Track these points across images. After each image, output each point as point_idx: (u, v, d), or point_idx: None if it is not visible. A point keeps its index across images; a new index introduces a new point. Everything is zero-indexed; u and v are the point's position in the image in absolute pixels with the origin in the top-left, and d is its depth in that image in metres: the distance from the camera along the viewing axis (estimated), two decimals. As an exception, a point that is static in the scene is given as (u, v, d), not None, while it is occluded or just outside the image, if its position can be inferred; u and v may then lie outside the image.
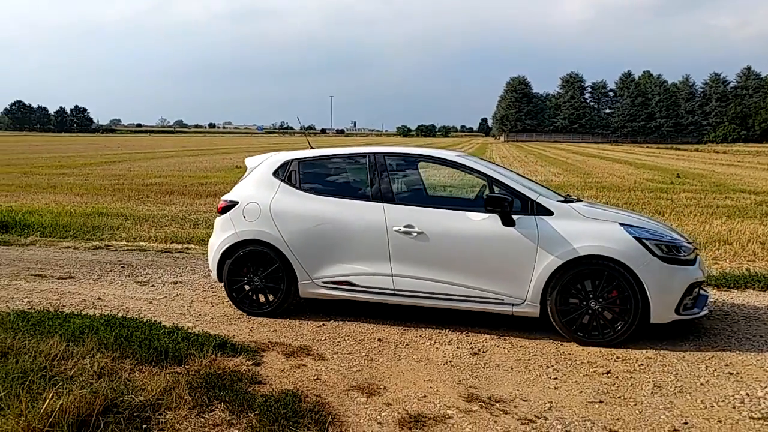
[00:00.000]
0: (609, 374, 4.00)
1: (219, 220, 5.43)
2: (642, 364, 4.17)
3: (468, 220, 4.78)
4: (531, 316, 4.72)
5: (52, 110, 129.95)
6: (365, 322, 5.07)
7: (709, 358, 4.28)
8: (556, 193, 5.65)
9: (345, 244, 5.03)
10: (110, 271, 6.94)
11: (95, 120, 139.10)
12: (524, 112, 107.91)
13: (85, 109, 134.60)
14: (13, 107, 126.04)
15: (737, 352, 4.41)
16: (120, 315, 4.94)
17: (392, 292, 4.97)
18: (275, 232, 5.16)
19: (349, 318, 5.17)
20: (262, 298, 5.26)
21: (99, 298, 5.74)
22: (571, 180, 21.26)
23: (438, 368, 4.08)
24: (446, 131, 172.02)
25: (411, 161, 5.39)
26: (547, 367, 4.13)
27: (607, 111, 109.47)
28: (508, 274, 4.69)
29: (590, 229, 4.59)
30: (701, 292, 4.93)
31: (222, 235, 5.36)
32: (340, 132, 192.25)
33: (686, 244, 4.69)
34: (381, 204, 5.00)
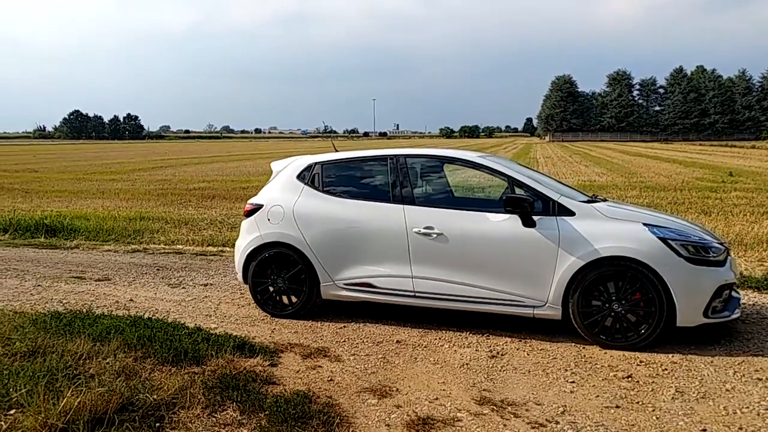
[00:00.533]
0: (629, 378, 3.89)
1: (245, 223, 5.55)
2: (666, 369, 4.04)
3: (488, 221, 4.73)
4: (553, 318, 4.64)
5: (106, 118, 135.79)
6: (386, 324, 5.07)
7: (738, 363, 4.11)
8: (581, 193, 5.53)
9: (365, 246, 5.06)
10: (145, 273, 7.16)
11: (146, 127, 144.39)
12: (569, 112, 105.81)
13: (136, 117, 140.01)
14: (71, 116, 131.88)
15: (770, 357, 4.22)
16: (147, 316, 5.09)
17: (412, 294, 4.97)
18: (298, 234, 5.23)
19: (370, 320, 5.19)
20: (285, 300, 5.34)
21: (131, 300, 5.94)
22: (615, 180, 20.75)
23: (453, 371, 4.05)
24: (490, 132, 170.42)
25: (432, 163, 5.38)
26: (566, 370, 4.05)
27: (657, 108, 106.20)
28: (529, 276, 4.62)
29: (612, 230, 4.48)
30: (733, 294, 4.74)
31: (247, 237, 5.46)
32: (383, 134, 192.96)
33: (716, 245, 4.52)
34: (401, 206, 5.00)
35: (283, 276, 5.31)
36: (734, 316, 4.53)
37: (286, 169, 5.60)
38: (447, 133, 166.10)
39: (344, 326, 5.07)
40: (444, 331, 4.88)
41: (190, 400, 3.38)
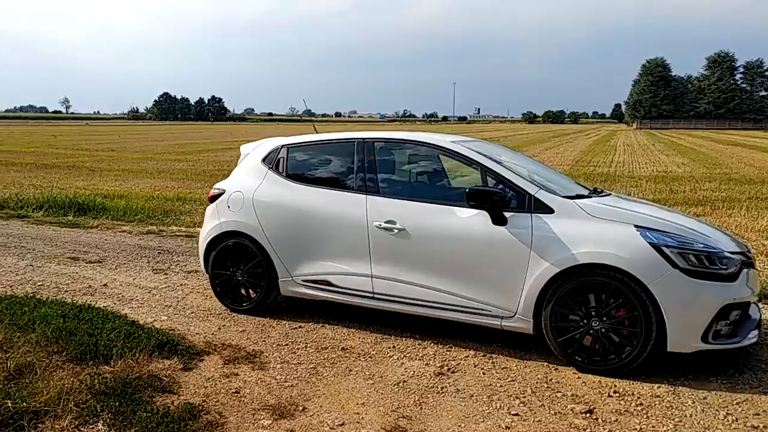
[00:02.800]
0: (588, 414, 3.20)
1: (208, 210, 5.19)
2: (641, 404, 3.31)
3: (455, 217, 4.10)
4: (523, 331, 3.97)
5: (192, 101, 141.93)
6: (346, 327, 4.58)
7: (737, 403, 3.31)
8: (583, 186, 4.78)
9: (325, 240, 4.57)
10: (142, 257, 7.00)
11: (231, 109, 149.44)
12: (660, 97, 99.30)
13: (220, 99, 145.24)
14: (161, 99, 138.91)
15: (785, 397, 3.38)
16: (101, 304, 4.86)
17: (371, 295, 4.43)
18: (256, 223, 4.81)
19: (332, 321, 4.71)
20: (244, 294, 4.94)
21: (105, 285, 5.75)
22: (695, 171, 19.05)
23: (384, 389, 3.50)
24: (575, 118, 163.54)
25: (401, 148, 4.76)
26: (517, 398, 3.40)
27: (763, 94, 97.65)
28: (497, 282, 3.97)
29: (596, 232, 3.75)
30: (751, 314, 3.88)
31: (209, 225, 5.11)
32: (462, 119, 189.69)
33: (727, 255, 3.68)
34: (364, 196, 4.46)
35: (242, 268, 4.91)
36: (747, 342, 3.69)
37: (254, 152, 5.18)
38: (529, 118, 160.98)
39: (299, 327, 4.61)
40: (404, 339, 4.32)
41: (63, 409, 3.04)
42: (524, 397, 3.41)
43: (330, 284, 4.58)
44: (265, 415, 3.16)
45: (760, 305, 4.82)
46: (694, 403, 3.32)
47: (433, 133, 4.73)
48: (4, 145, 34.03)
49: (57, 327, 4.00)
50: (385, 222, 4.29)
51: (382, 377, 3.66)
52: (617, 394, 3.44)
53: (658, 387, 3.53)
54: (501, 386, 3.55)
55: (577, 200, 3.96)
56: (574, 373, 3.76)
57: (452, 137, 4.65)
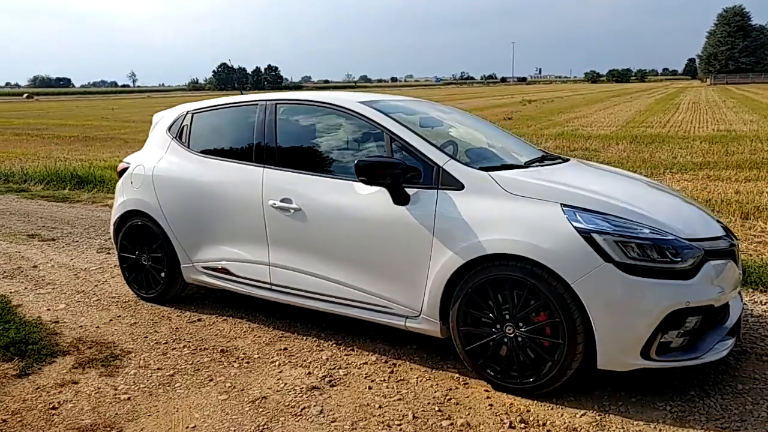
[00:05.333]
0: (466, 456, 2.46)
1: (117, 186, 4.64)
2: (546, 441, 2.54)
3: (354, 195, 3.36)
4: (430, 334, 3.23)
5: (249, 70, 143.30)
6: (250, 321, 3.97)
7: (678, 444, 2.48)
8: (542, 150, 3.96)
9: (223, 221, 3.93)
10: (102, 234, 6.59)
11: (288, 78, 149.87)
12: (739, 49, 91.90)
13: (276, 68, 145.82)
14: (219, 69, 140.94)
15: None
16: (20, 288, 4.45)
17: (268, 286, 3.78)
18: (155, 202, 4.22)
19: (243, 312, 4.12)
20: (152, 281, 4.39)
21: (35, 266, 5.36)
22: (763, 129, 17.13)
23: (234, 408, 2.86)
24: (642, 76, 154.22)
25: (306, 111, 3.97)
26: (388, 427, 2.69)
27: None
28: (398, 274, 3.23)
29: (511, 213, 2.93)
30: (726, 318, 2.99)
31: (116, 203, 4.57)
32: (522, 80, 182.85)
33: (684, 243, 2.78)
34: (261, 168, 3.77)
35: (147, 252, 4.35)
36: (711, 357, 2.81)
37: (162, 120, 4.56)
38: (592, 78, 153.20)
39: (199, 320, 4.04)
40: (304, 338, 3.67)
41: None
42: (400, 425, 2.70)
43: (228, 272, 3.95)
44: (60, 444, 2.59)
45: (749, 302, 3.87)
46: (618, 440, 2.51)
47: (347, 93, 3.96)
48: (62, 119, 35.04)
49: None
50: (281, 201, 3.60)
51: (243, 390, 3.02)
52: (523, 425, 2.67)
53: (584, 414, 2.73)
54: (380, 407, 2.85)
55: (494, 173, 3.12)
56: (486, 391, 3.00)
57: (368, 97, 3.86)
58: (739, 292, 3.28)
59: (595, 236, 2.72)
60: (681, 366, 2.79)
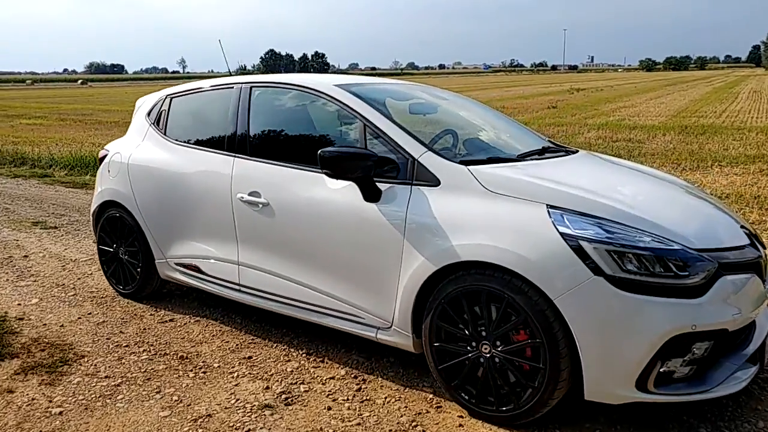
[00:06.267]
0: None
1: (97, 174, 4.42)
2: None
3: (325, 189, 3.00)
4: (403, 348, 2.86)
5: (297, 56, 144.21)
6: (224, 323, 3.71)
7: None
8: (545, 139, 3.53)
9: (194, 215, 3.64)
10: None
11: (335, 65, 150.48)
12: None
13: (323, 55, 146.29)
14: (267, 55, 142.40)
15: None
16: (10, 278, 4.29)
17: (237, 287, 3.47)
18: (129, 192, 3.98)
19: (219, 312, 3.85)
20: (129, 276, 4.16)
21: (26, 256, 5.23)
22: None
23: (169, 429, 2.56)
24: (702, 63, 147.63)
25: (281, 94, 3.58)
26: (335, 458, 2.34)
27: None
28: (369, 280, 2.87)
29: (490, 214, 2.52)
30: (747, 347, 2.51)
31: (95, 192, 4.35)
32: (573, 68, 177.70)
33: (692, 255, 2.31)
34: (232, 158, 3.46)
35: (125, 246, 4.12)
36: (721, 392, 2.35)
37: (143, 105, 4.29)
38: (648, 66, 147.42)
39: (171, 320, 3.78)
40: (274, 345, 3.36)
41: None
42: (349, 457, 2.35)
43: (199, 270, 3.67)
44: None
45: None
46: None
47: (326, 75, 3.60)
48: (108, 104, 35.87)
49: None
50: (249, 194, 3.27)
51: (188, 406, 2.72)
52: (491, 464, 2.28)
53: (565, 455, 2.32)
54: (333, 434, 2.50)
55: (474, 167, 2.70)
56: (459, 417, 2.62)
57: (347, 79, 3.48)
58: (770, 311, 2.78)
59: (584, 244, 2.29)
60: (685, 401, 2.33)
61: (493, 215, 2.49)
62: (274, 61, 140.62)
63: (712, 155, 10.05)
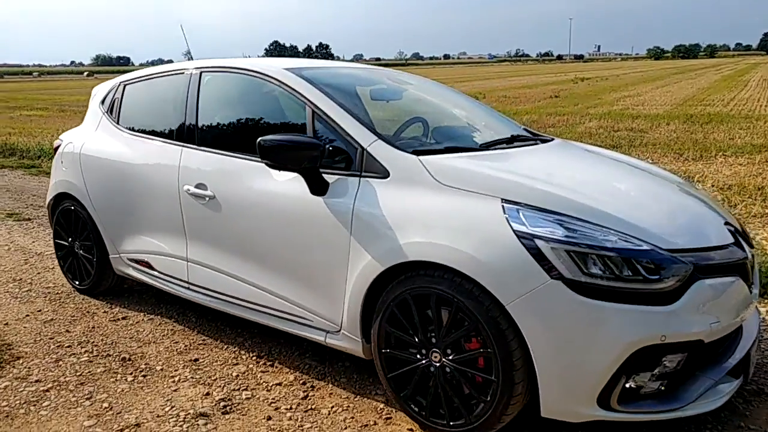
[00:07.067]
0: None
1: (52, 166, 4.20)
2: None
3: (272, 181, 2.77)
4: (353, 353, 2.64)
5: (301, 48, 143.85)
6: (178, 322, 3.51)
7: None
8: (520, 126, 3.30)
9: (144, 209, 3.42)
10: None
11: (340, 56, 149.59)
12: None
13: (327, 46, 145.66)
14: (271, 47, 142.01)
15: None
16: None
17: (186, 285, 3.26)
18: (82, 184, 3.76)
19: (172, 312, 3.67)
20: (84, 271, 3.95)
21: (-10, 249, 5.03)
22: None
23: (96, 439, 2.36)
24: (712, 51, 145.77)
25: (231, 80, 3.32)
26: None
27: None
28: (316, 280, 2.64)
29: (439, 209, 2.28)
30: (728, 359, 2.27)
31: (50, 184, 4.14)
32: (579, 57, 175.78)
33: (663, 255, 2.06)
34: (180, 147, 3.23)
35: (80, 239, 3.91)
36: (696, 410, 2.11)
37: (98, 93, 4.07)
38: (656, 54, 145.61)
39: (124, 318, 3.58)
40: (222, 348, 3.15)
41: None
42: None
43: (150, 267, 3.46)
44: None
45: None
46: None
47: (277, 59, 3.35)
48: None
49: None
50: (195, 186, 3.05)
51: (118, 414, 2.52)
52: (434, 486, 2.05)
53: (517, 475, 2.09)
54: (267, 449, 2.29)
55: (425, 157, 2.46)
56: (409, 430, 2.40)
57: (298, 63, 3.24)
58: (759, 316, 2.54)
59: (541, 244, 2.05)
60: (655, 420, 2.10)
61: (444, 211, 2.26)
62: (278, 53, 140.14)
63: (716, 145, 9.74)
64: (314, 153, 2.49)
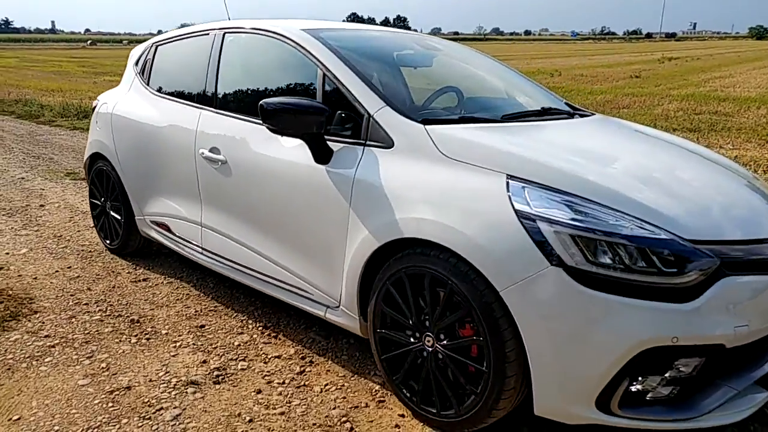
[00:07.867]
0: None
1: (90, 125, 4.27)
2: None
3: (280, 147, 2.66)
4: (352, 330, 2.51)
5: (378, 20, 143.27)
6: (195, 286, 3.51)
7: None
8: (562, 101, 3.04)
9: (166, 171, 3.40)
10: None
11: (417, 29, 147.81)
12: None
13: (405, 19, 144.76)
14: (349, 18, 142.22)
15: None
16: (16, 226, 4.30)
17: (200, 250, 3.23)
18: (112, 145, 3.80)
19: (193, 277, 3.67)
20: (113, 231, 4.02)
21: (42, 205, 5.24)
22: None
23: (79, 400, 2.35)
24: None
25: (248, 41, 3.15)
26: (236, 453, 2.05)
27: None
28: (317, 253, 2.53)
29: (441, 183, 2.09)
30: (758, 367, 1.98)
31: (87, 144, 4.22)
32: (671, 36, 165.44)
33: (686, 247, 1.79)
34: (199, 110, 3.18)
35: (110, 200, 3.97)
36: (712, 422, 1.85)
37: (133, 54, 4.07)
38: (758, 33, 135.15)
39: (143, 280, 3.61)
40: (232, 315, 3.11)
41: None
42: (252, 453, 2.05)
43: (169, 230, 3.45)
44: None
45: None
46: None
47: (296, 20, 3.20)
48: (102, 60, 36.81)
49: None
50: (209, 150, 2.99)
51: (113, 376, 2.51)
52: (410, 479, 1.91)
53: (503, 477, 1.91)
54: (250, 421, 2.21)
55: (432, 126, 2.26)
56: (400, 416, 2.26)
57: (317, 24, 3.08)
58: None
59: (543, 226, 1.83)
60: (664, 429, 1.86)
61: (445, 186, 2.07)
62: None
63: (812, 133, 8.86)
64: (319, 119, 2.35)
